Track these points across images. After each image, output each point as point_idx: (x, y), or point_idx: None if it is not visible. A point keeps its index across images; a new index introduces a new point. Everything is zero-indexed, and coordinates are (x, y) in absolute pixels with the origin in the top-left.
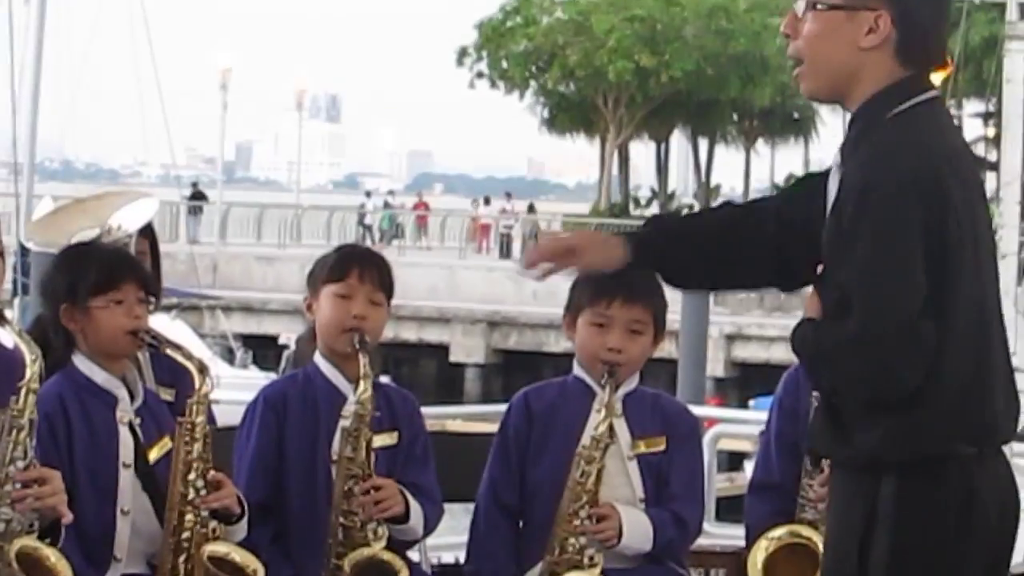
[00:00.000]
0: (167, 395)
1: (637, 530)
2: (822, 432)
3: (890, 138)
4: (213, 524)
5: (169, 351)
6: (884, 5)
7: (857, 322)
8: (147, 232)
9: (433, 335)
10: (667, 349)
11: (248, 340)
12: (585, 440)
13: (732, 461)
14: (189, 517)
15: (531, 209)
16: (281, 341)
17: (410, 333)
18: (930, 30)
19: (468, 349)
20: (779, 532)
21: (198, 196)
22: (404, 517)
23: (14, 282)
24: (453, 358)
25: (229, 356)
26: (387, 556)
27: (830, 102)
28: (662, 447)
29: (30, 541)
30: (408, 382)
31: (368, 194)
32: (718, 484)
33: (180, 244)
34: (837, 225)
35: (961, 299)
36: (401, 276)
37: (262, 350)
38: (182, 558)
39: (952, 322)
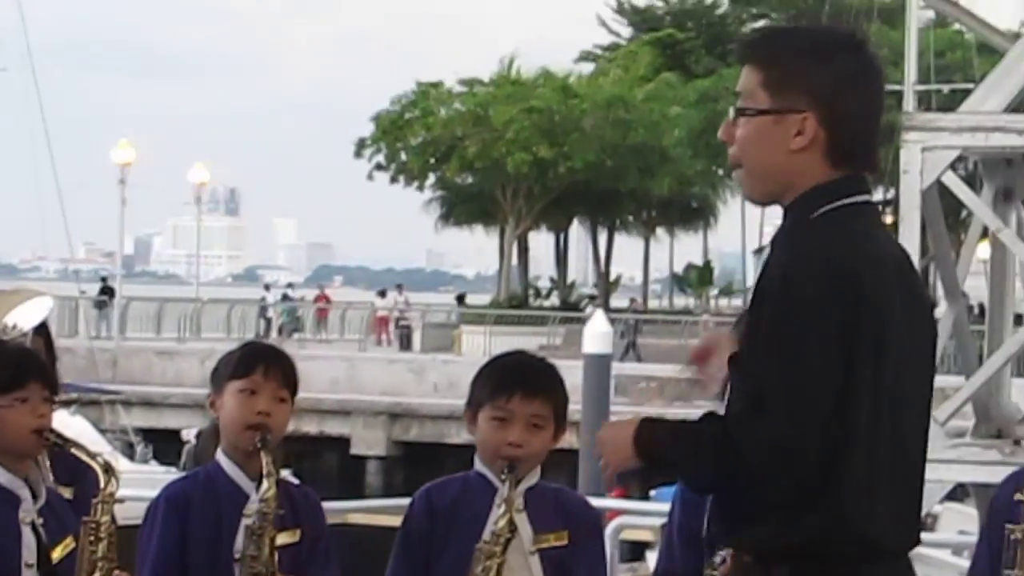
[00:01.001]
0: (67, 493)
1: None
2: (716, 520)
3: (811, 238)
4: None
5: (74, 450)
6: (810, 107)
7: (771, 424)
8: (42, 330)
9: (334, 428)
10: (568, 440)
11: (148, 434)
12: (486, 535)
13: (635, 551)
14: None
15: (460, 300)
16: (184, 437)
17: (311, 426)
18: (859, 131)
19: (369, 442)
20: None
21: (107, 291)
22: None
23: None
24: (354, 451)
25: (129, 451)
26: None
27: (769, 203)
28: (564, 542)
29: None
30: (310, 475)
31: (267, 287)
32: (620, 575)
33: (80, 339)
34: (756, 317)
35: (866, 403)
36: (302, 369)
37: (163, 444)
38: None
39: (852, 425)
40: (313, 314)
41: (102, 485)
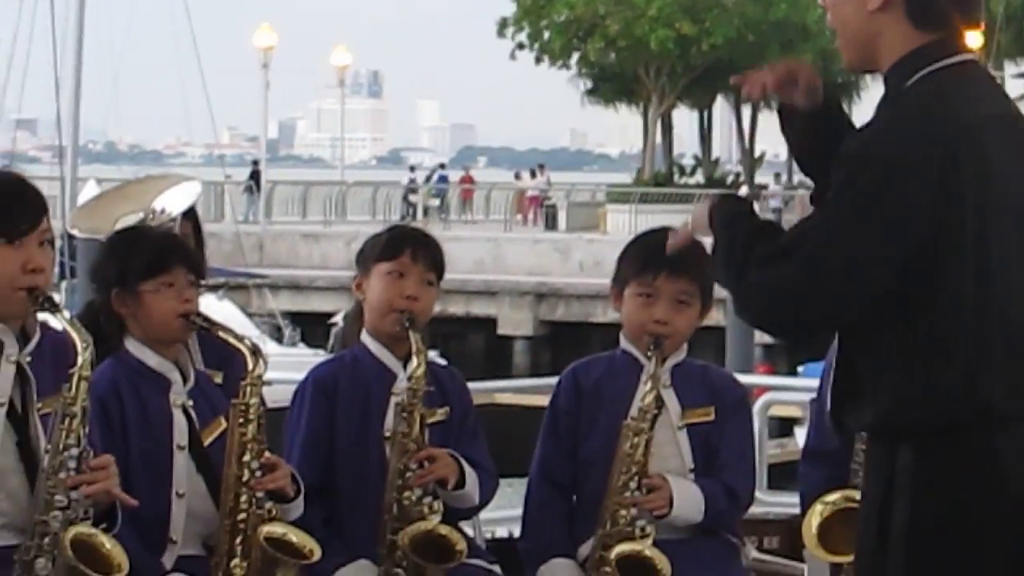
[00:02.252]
0: (216, 378)
1: (688, 501)
2: (836, 399)
3: (899, 108)
4: (269, 505)
5: (221, 334)
6: None
7: (787, 269)
8: (190, 215)
9: (481, 308)
10: (715, 318)
11: (296, 318)
12: (633, 412)
13: (783, 428)
14: (244, 499)
15: None
16: (333, 320)
17: (457, 307)
18: None
19: (516, 322)
20: (833, 497)
21: (255, 176)
22: (460, 483)
23: (60, 265)
24: (501, 331)
25: (277, 334)
26: (445, 530)
27: (865, 71)
28: (711, 417)
29: (85, 528)
30: (456, 356)
31: (412, 168)
32: (769, 452)
33: (226, 224)
34: (828, 185)
35: (970, 273)
36: (447, 250)
37: (310, 328)
38: (238, 539)
39: (954, 295)
40: (458, 195)
41: (250, 367)
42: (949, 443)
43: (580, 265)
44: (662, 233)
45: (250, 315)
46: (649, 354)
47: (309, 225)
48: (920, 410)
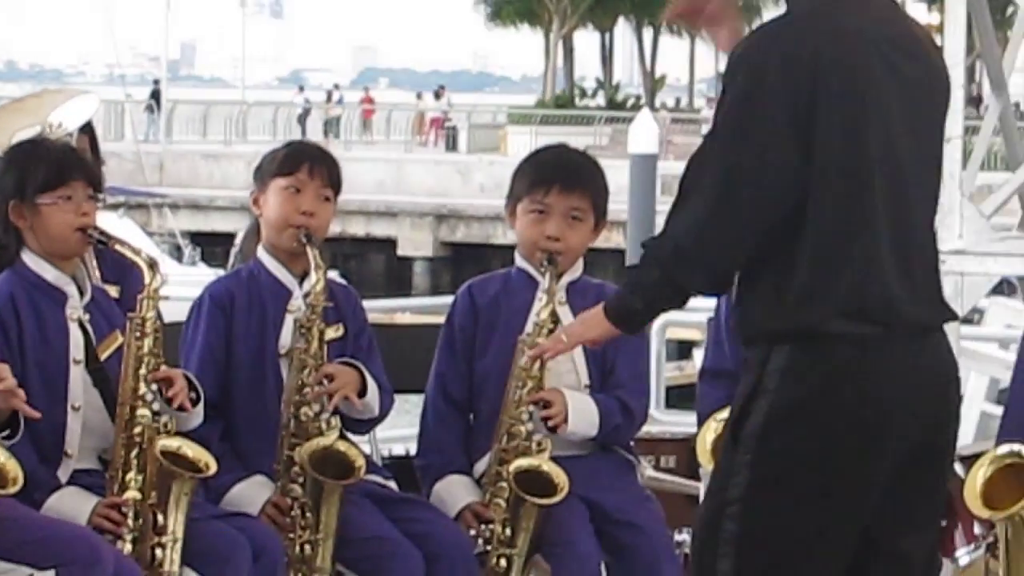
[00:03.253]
0: (113, 292)
1: (583, 415)
2: (733, 310)
3: (773, 25)
4: (164, 419)
5: (118, 247)
6: None
7: (690, 212)
8: (87, 130)
9: (381, 229)
10: (616, 240)
11: (196, 237)
12: (528, 327)
13: (681, 350)
14: (141, 412)
15: None
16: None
17: (358, 228)
18: None
19: (416, 243)
20: (726, 414)
21: (155, 95)
22: (362, 392)
23: None
24: (401, 252)
25: (177, 254)
26: (343, 446)
27: None
28: None
29: None
30: (356, 277)
31: (302, 89)
32: (669, 374)
33: (127, 143)
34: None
35: (847, 177)
36: (348, 171)
37: (210, 247)
38: (133, 453)
39: (842, 203)
40: (358, 116)
41: (147, 280)
42: (818, 348)
43: (481, 187)
44: (555, 149)
45: (150, 234)
46: (542, 270)
47: (209, 145)
48: (795, 316)
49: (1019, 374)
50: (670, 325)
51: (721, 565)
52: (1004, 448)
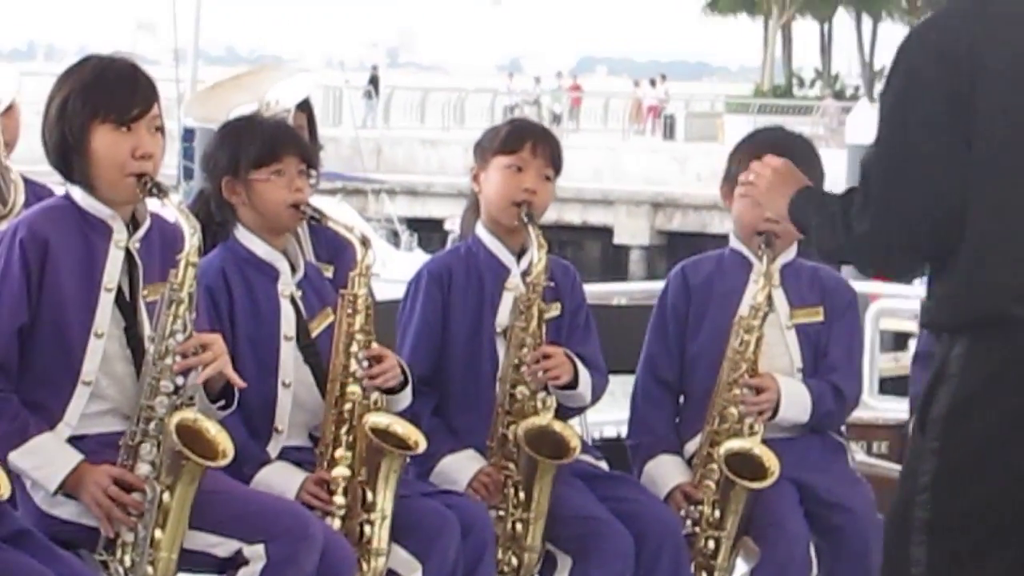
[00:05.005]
0: (327, 271)
1: (795, 401)
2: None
3: (932, 16)
4: (375, 396)
5: (331, 224)
6: None
7: (871, 214)
8: (305, 107)
9: (597, 217)
10: None
11: (413, 223)
12: (743, 309)
13: (897, 342)
14: (351, 389)
15: None
16: (446, 227)
17: (574, 215)
18: None
19: (632, 231)
20: None
21: (374, 81)
22: (573, 383)
23: (181, 167)
24: (617, 240)
25: (394, 239)
26: (559, 426)
27: None
28: (820, 317)
29: (190, 414)
30: (573, 264)
31: (538, 80)
32: (884, 364)
33: (344, 129)
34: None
35: (998, 163)
36: (564, 158)
37: (426, 233)
38: (344, 429)
39: (994, 197)
40: (569, 104)
41: (359, 258)
42: (998, 337)
43: (697, 175)
44: (774, 131)
45: (367, 219)
46: (760, 253)
47: (427, 131)
48: (971, 304)
49: None
50: (884, 315)
51: (914, 553)
52: None
